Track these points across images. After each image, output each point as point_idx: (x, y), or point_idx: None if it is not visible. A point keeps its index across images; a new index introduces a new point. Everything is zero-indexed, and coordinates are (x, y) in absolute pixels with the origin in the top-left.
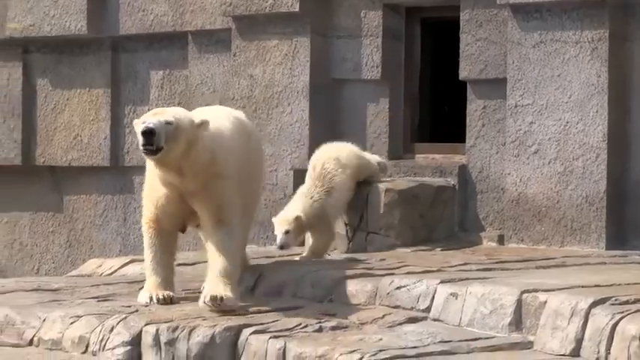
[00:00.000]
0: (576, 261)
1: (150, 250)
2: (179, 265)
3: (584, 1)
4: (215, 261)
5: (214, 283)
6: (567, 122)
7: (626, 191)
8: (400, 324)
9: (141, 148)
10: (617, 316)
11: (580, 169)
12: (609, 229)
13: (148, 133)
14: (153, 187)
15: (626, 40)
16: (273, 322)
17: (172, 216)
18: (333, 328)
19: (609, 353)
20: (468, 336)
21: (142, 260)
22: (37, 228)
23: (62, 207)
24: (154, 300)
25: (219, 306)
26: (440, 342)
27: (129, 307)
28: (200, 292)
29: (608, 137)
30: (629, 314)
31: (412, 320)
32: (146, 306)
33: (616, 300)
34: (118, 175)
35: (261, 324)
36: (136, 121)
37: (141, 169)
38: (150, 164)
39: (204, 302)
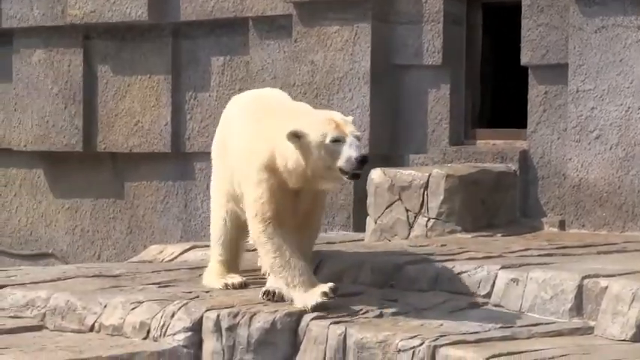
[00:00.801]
0: (637, 246)
1: (281, 249)
2: None
3: None
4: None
5: None
6: (629, 107)
7: None
8: (461, 309)
9: (349, 171)
10: None
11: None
12: None
13: (365, 162)
14: (273, 188)
15: None
16: (334, 308)
17: (290, 213)
18: (394, 314)
19: None
20: (529, 321)
21: (204, 247)
22: (99, 214)
23: (123, 193)
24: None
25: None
26: (500, 327)
27: (190, 292)
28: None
29: None
30: None
31: (473, 306)
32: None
33: None
34: (179, 162)
35: (322, 311)
36: (330, 131)
37: (202, 156)
38: (268, 171)
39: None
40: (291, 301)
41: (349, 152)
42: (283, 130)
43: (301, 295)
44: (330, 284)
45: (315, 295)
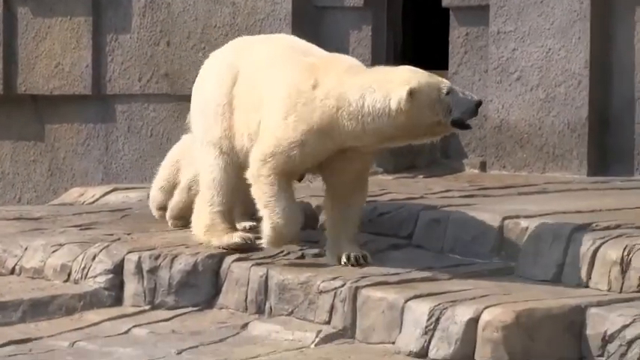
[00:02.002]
0: (558, 187)
1: (277, 196)
2: None
3: None
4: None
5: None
6: (550, 49)
7: (607, 118)
8: (382, 251)
9: (465, 120)
10: (598, 242)
11: (562, 96)
12: (591, 155)
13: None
14: (315, 153)
15: None
16: (256, 250)
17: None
18: (316, 256)
19: (590, 278)
20: (450, 262)
21: (125, 189)
22: (19, 157)
23: (44, 136)
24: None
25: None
26: (422, 269)
27: (111, 235)
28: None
29: (590, 64)
30: (609, 239)
31: (394, 247)
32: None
33: (597, 225)
34: (100, 104)
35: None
36: (442, 83)
37: (123, 98)
38: (323, 134)
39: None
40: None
41: (464, 102)
42: (357, 87)
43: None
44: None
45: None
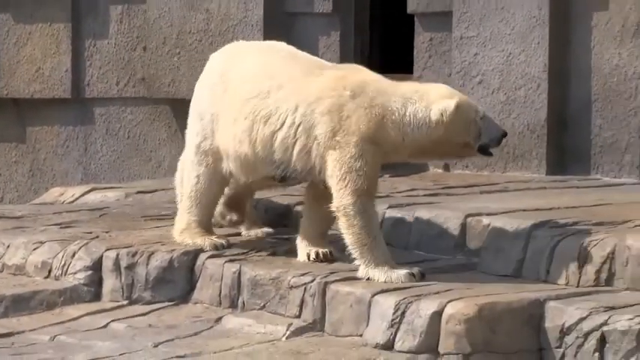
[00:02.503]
0: (518, 186)
1: (372, 222)
2: (138, 192)
3: None
4: None
5: None
6: (510, 53)
7: (565, 119)
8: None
9: (490, 148)
10: (557, 238)
11: (522, 99)
12: (549, 155)
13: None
14: (375, 161)
15: None
16: (229, 246)
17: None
18: (286, 252)
19: (549, 273)
20: (415, 258)
21: (103, 189)
22: (1, 158)
23: (25, 138)
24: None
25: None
26: None
27: (90, 233)
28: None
29: (549, 68)
30: (567, 236)
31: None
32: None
33: (555, 223)
34: (79, 107)
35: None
36: (479, 107)
37: (101, 101)
38: (368, 147)
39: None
40: (368, 277)
41: (494, 129)
42: (402, 100)
43: (383, 273)
44: (417, 268)
45: (400, 275)
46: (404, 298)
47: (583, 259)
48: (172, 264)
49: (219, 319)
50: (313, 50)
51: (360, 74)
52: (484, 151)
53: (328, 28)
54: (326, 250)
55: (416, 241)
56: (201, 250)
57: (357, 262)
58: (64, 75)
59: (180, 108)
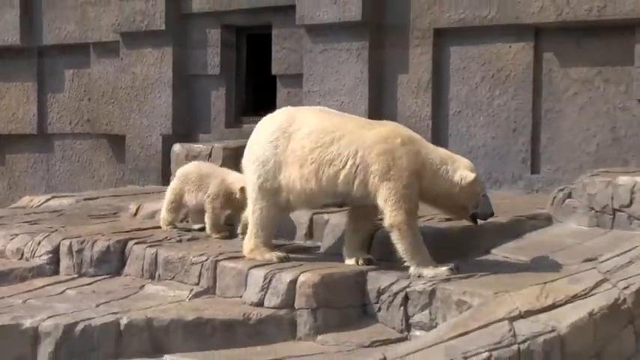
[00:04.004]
0: None
1: (418, 234)
2: (85, 199)
3: (352, 22)
4: None
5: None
6: (342, 102)
7: None
8: (236, 237)
9: (479, 218)
10: None
11: None
12: None
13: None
14: (413, 192)
15: (380, 49)
16: (149, 236)
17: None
18: (189, 240)
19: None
20: (279, 243)
21: (61, 197)
22: None
23: (5, 162)
24: (454, 270)
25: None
26: None
27: (51, 227)
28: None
29: (368, 112)
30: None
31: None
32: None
33: None
34: (43, 140)
35: (141, 238)
36: (484, 188)
37: (58, 136)
38: (413, 179)
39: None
40: (420, 275)
41: (488, 206)
42: (440, 158)
43: (431, 270)
44: (452, 264)
45: (443, 271)
46: (270, 271)
47: None
48: (109, 249)
49: (142, 287)
50: (207, 100)
51: (407, 131)
52: (474, 218)
53: (217, 85)
54: (369, 256)
55: (280, 231)
56: (129, 239)
57: (407, 264)
58: (32, 118)
59: (114, 141)
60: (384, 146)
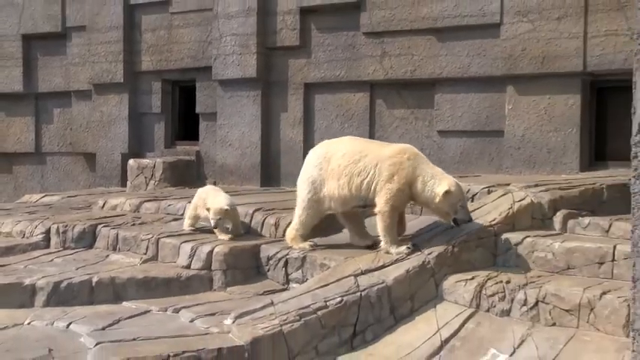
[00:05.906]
0: (248, 192)
1: (394, 222)
2: (68, 197)
3: (249, 78)
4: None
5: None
6: (243, 132)
7: (269, 161)
8: (168, 222)
9: (458, 223)
10: (265, 214)
11: (250, 153)
12: (262, 179)
13: (470, 222)
14: (402, 195)
15: (269, 96)
16: (112, 222)
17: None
18: (141, 224)
19: (262, 231)
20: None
21: (52, 195)
22: (1, 181)
23: (12, 171)
24: (410, 248)
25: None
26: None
27: (44, 216)
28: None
29: (261, 138)
30: (271, 214)
31: (175, 219)
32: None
33: (264, 207)
34: (39, 157)
35: (107, 223)
36: (463, 199)
37: (51, 154)
38: (406, 186)
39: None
40: (387, 251)
41: (465, 214)
42: (431, 174)
43: (395, 249)
44: (409, 244)
45: (403, 249)
46: (195, 244)
47: (276, 225)
48: (85, 230)
49: (107, 256)
50: (152, 129)
51: (414, 150)
52: (455, 222)
53: (159, 120)
54: (372, 242)
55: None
56: (99, 223)
57: (380, 239)
58: (31, 141)
59: (88, 157)
60: (395, 159)
